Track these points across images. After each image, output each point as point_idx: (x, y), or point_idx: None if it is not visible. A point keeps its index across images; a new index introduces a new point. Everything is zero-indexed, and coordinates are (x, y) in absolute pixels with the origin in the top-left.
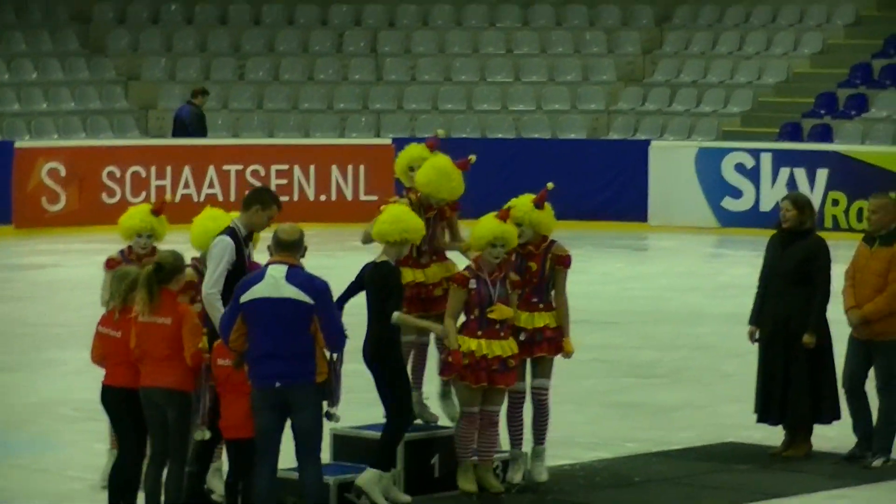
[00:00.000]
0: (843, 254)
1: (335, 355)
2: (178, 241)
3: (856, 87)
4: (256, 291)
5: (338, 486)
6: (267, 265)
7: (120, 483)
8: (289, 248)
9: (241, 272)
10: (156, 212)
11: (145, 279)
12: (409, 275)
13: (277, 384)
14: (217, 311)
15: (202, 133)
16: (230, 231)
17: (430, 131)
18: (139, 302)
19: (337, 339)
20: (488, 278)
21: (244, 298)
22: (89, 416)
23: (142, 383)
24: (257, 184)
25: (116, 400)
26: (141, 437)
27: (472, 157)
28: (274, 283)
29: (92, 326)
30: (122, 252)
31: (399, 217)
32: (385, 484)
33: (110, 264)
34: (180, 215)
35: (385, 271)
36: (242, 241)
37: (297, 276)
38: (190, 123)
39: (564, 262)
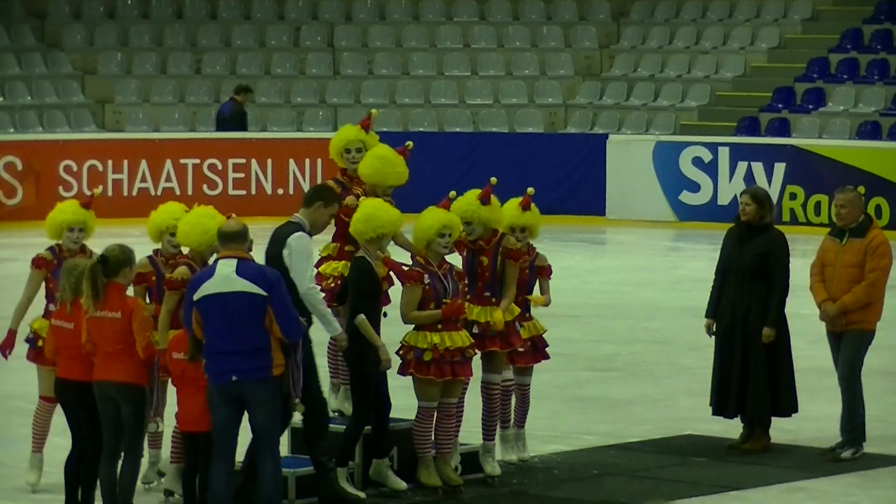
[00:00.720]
0: (800, 248)
1: (295, 354)
2: (133, 235)
3: (813, 82)
4: (208, 288)
5: (296, 479)
6: (216, 261)
7: (75, 476)
8: (234, 240)
9: None
10: (85, 205)
11: (89, 273)
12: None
13: (234, 378)
14: (320, 303)
15: (241, 128)
16: (301, 227)
17: (388, 126)
18: (84, 297)
19: (291, 328)
20: (438, 271)
21: (196, 296)
22: None
23: (95, 377)
24: (214, 178)
25: (70, 393)
26: (96, 431)
27: (410, 144)
28: (225, 278)
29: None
30: (52, 249)
31: (371, 214)
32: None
33: (38, 263)
34: (138, 209)
35: (360, 267)
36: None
37: (247, 268)
38: (230, 120)
39: (513, 255)
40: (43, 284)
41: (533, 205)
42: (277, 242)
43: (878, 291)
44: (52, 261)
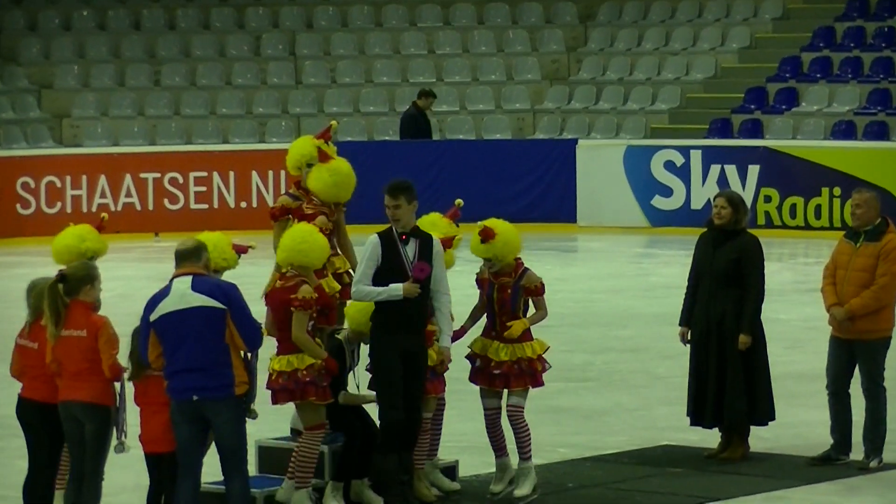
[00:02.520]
0: (776, 251)
1: (250, 354)
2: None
3: (785, 81)
4: (164, 307)
5: (265, 499)
6: (171, 280)
7: (34, 498)
8: (188, 258)
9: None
10: (99, 229)
11: (48, 293)
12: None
13: (195, 397)
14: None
15: (424, 135)
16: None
17: (352, 135)
18: (44, 318)
19: (253, 337)
20: None
21: (153, 317)
22: (10, 433)
23: (60, 397)
24: (175, 192)
25: (33, 413)
26: (56, 452)
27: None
28: (181, 295)
29: (9, 340)
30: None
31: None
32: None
33: None
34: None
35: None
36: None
37: (203, 283)
38: (406, 126)
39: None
40: None
41: (497, 226)
42: None
43: (888, 297)
44: None
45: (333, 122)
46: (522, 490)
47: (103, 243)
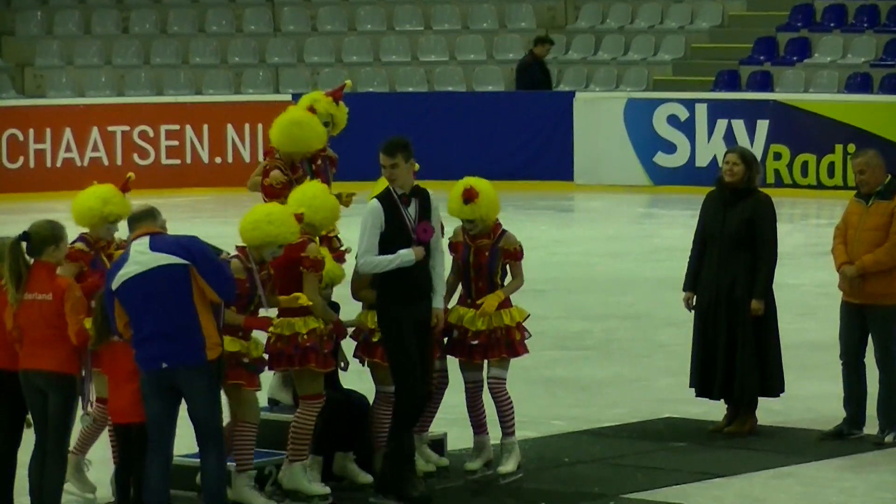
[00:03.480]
0: (786, 212)
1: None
2: (58, 211)
3: (797, 31)
4: (125, 273)
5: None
6: (129, 244)
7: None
8: (141, 220)
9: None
10: (124, 189)
11: (9, 254)
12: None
13: (164, 365)
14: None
15: (542, 85)
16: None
17: (334, 86)
18: (6, 279)
19: (225, 285)
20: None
21: (114, 285)
22: None
23: (21, 366)
24: (145, 146)
25: None
26: (16, 423)
27: (348, 83)
28: (140, 258)
29: None
30: (84, 240)
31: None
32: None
33: (75, 256)
34: (64, 181)
35: None
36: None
37: (161, 241)
38: (521, 74)
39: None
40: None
41: (478, 185)
42: None
43: None
44: (89, 252)
45: (347, 82)
46: (507, 467)
47: (127, 206)
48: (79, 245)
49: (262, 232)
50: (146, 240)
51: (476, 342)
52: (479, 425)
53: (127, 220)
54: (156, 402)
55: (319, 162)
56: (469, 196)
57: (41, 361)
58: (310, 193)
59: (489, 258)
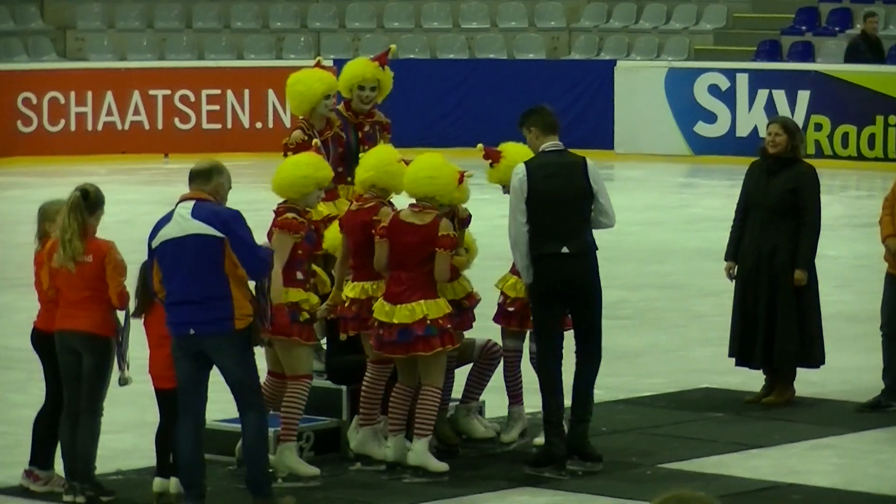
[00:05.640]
0: (826, 183)
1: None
2: (99, 174)
3: (839, 1)
4: (164, 234)
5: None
6: (177, 204)
7: (41, 433)
8: (195, 179)
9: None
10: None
11: (74, 208)
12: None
13: (191, 331)
14: None
15: (875, 59)
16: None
17: (374, 52)
18: (69, 233)
19: (256, 265)
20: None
21: (154, 243)
22: (3, 365)
23: (57, 326)
24: (186, 111)
25: (36, 343)
26: (59, 383)
27: (393, 47)
28: (180, 222)
29: (4, 266)
30: (294, 210)
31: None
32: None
33: (295, 227)
34: (104, 145)
35: None
36: None
37: (203, 209)
38: (850, 53)
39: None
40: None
41: (506, 148)
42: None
43: None
44: (304, 221)
45: (392, 47)
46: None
47: (331, 172)
48: (291, 215)
49: (295, 179)
50: (190, 205)
51: (513, 309)
52: (514, 395)
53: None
54: (185, 365)
55: (367, 128)
56: (489, 156)
57: (77, 322)
58: (385, 158)
59: None
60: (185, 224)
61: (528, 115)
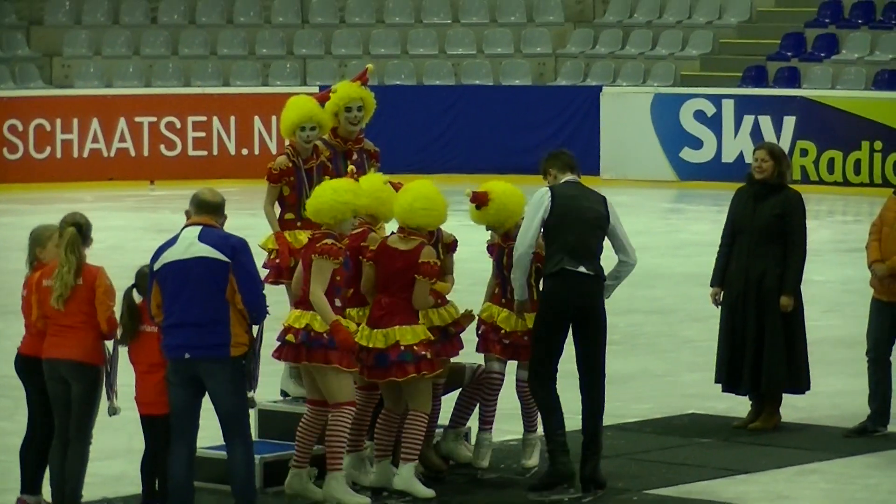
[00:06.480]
0: (812, 209)
1: (255, 330)
2: (85, 201)
3: (825, 27)
4: (168, 256)
5: (264, 466)
6: (182, 228)
7: (27, 460)
8: (211, 211)
9: None
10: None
11: (71, 240)
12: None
13: (187, 355)
14: None
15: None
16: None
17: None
18: (58, 267)
19: (255, 301)
20: None
21: (157, 265)
22: None
23: (45, 355)
24: (172, 137)
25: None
26: (48, 410)
27: (371, 66)
28: (187, 244)
29: None
30: (331, 235)
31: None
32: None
33: (335, 252)
34: (90, 171)
35: None
36: None
37: (211, 234)
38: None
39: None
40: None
41: (493, 189)
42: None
43: None
44: (342, 247)
45: (369, 66)
46: (531, 461)
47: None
48: (330, 241)
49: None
50: (198, 230)
51: (508, 341)
52: (487, 421)
53: (193, 199)
54: (179, 390)
55: (356, 157)
56: (476, 200)
57: (66, 351)
58: (375, 185)
59: None
60: (192, 247)
61: (547, 160)
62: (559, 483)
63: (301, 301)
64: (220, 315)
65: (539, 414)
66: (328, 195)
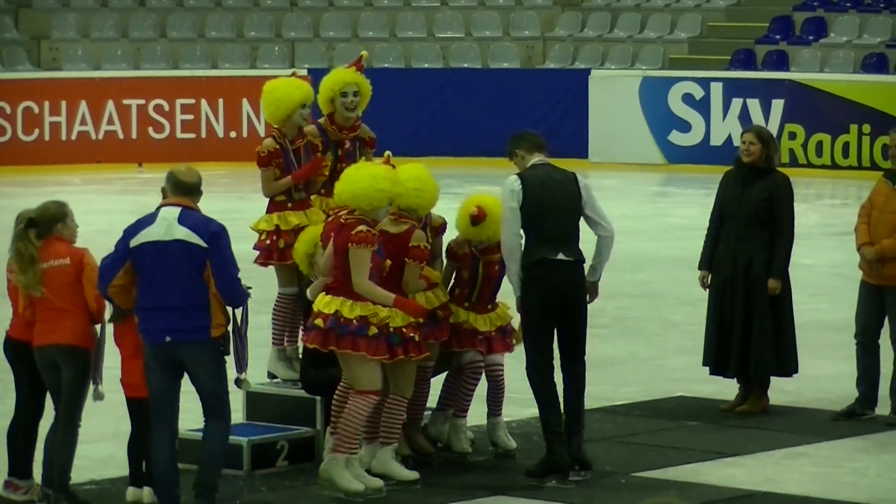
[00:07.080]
0: (801, 192)
1: (239, 314)
2: (73, 184)
3: (813, 10)
4: (147, 235)
5: (252, 448)
6: (159, 207)
7: (16, 444)
8: (187, 192)
9: None
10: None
11: (19, 239)
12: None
13: (167, 339)
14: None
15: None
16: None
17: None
18: (14, 267)
19: (230, 288)
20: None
21: (134, 242)
22: None
23: (36, 343)
24: (161, 120)
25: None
26: (35, 394)
27: (365, 53)
28: (166, 225)
29: None
30: (366, 221)
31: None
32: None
33: (369, 240)
34: (78, 154)
35: None
36: None
37: (190, 217)
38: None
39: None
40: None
41: (487, 204)
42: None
43: None
44: (377, 235)
45: (364, 52)
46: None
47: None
48: (364, 228)
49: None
50: (177, 211)
51: (482, 337)
52: (463, 409)
53: (168, 178)
54: (159, 374)
55: (348, 146)
56: (477, 219)
57: (56, 336)
58: (415, 174)
59: (499, 271)
60: (172, 229)
61: (512, 141)
62: (553, 472)
63: (332, 287)
64: (201, 299)
65: (536, 404)
66: (366, 182)
